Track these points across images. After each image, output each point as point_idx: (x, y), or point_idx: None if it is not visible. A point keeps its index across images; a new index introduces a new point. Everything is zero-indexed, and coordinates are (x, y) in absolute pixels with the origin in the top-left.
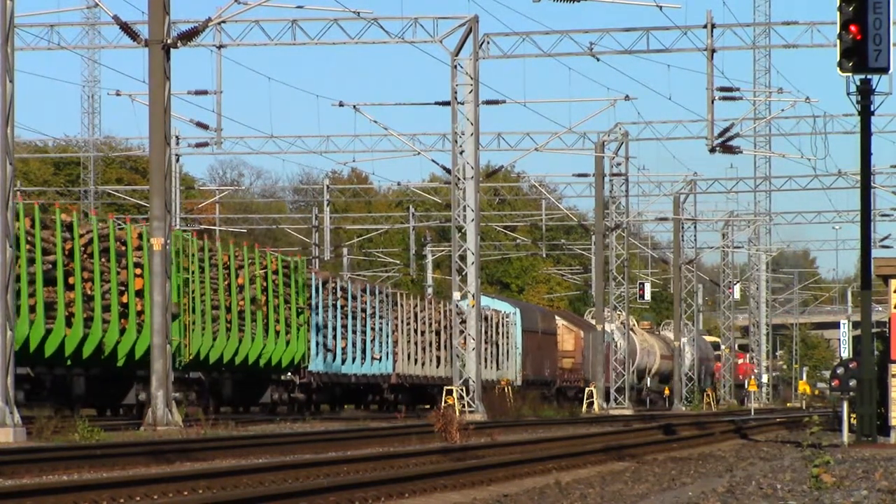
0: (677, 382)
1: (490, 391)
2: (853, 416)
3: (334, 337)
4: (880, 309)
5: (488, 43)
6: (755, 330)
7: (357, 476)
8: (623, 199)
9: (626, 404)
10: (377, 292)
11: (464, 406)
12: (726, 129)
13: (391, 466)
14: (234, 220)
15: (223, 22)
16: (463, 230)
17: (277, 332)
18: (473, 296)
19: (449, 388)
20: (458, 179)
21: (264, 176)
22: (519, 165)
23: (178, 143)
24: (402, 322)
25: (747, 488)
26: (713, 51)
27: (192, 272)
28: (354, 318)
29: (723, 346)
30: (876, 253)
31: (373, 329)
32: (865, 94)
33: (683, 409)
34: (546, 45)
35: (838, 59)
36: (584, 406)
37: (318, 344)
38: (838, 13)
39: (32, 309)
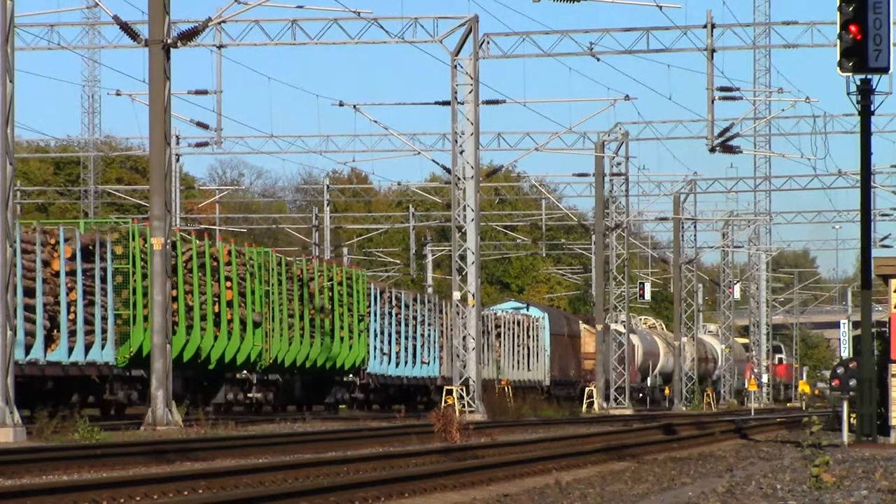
0: (677, 382)
1: (489, 390)
2: (853, 416)
3: (389, 342)
4: (880, 309)
5: (488, 43)
6: (755, 330)
7: (357, 476)
8: (623, 199)
9: (626, 404)
10: (426, 301)
11: (464, 406)
12: (726, 129)
13: (391, 466)
14: (234, 220)
15: (223, 22)
16: (463, 230)
17: (342, 338)
18: (473, 295)
19: (449, 387)
20: (458, 179)
21: (264, 176)
22: (519, 165)
23: (178, 143)
24: (447, 328)
25: (747, 488)
26: (713, 51)
27: (272, 284)
28: (406, 324)
29: (723, 346)
30: (876, 253)
31: (422, 335)
32: (865, 94)
33: (683, 408)
34: (546, 45)
35: (838, 59)
36: (584, 406)
37: (375, 348)
38: (838, 13)
39: (146, 318)
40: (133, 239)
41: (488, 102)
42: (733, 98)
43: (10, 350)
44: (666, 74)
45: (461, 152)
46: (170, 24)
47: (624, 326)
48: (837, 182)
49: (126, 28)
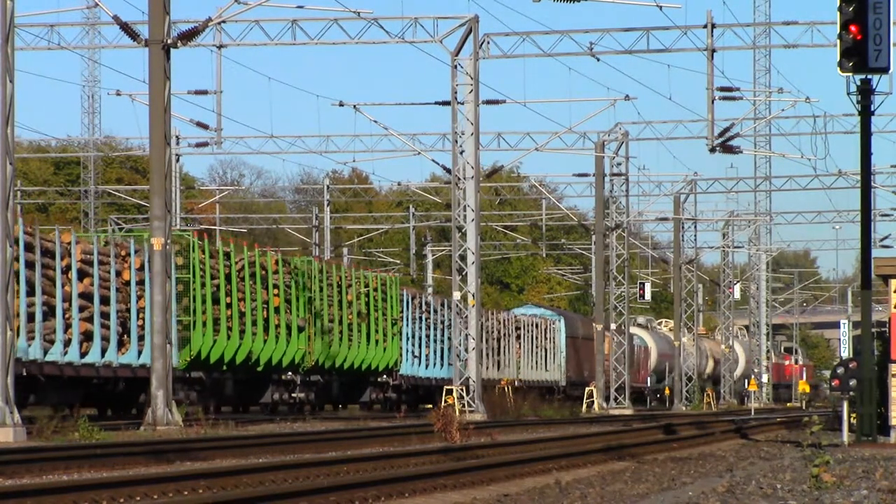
0: (677, 382)
1: (489, 390)
2: (853, 415)
3: (419, 345)
4: (880, 309)
5: (488, 43)
6: (755, 330)
7: (357, 476)
8: (623, 199)
9: (626, 404)
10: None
11: (464, 406)
12: (726, 129)
13: (391, 466)
14: (234, 220)
15: (223, 22)
16: (463, 230)
17: (377, 341)
18: (473, 296)
19: (449, 387)
20: (458, 179)
21: (264, 176)
22: (519, 166)
23: (178, 143)
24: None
25: (747, 488)
26: (713, 51)
27: (314, 291)
28: (435, 328)
29: (723, 346)
30: (876, 253)
31: (449, 339)
32: (865, 94)
33: (683, 408)
34: (546, 45)
35: (838, 59)
36: (584, 406)
37: (407, 351)
38: (838, 13)
39: (204, 324)
40: (193, 250)
41: (488, 102)
42: (733, 98)
43: (9, 350)
44: (666, 74)
45: (461, 152)
46: (170, 24)
47: (640, 329)
48: (837, 182)
49: (126, 28)
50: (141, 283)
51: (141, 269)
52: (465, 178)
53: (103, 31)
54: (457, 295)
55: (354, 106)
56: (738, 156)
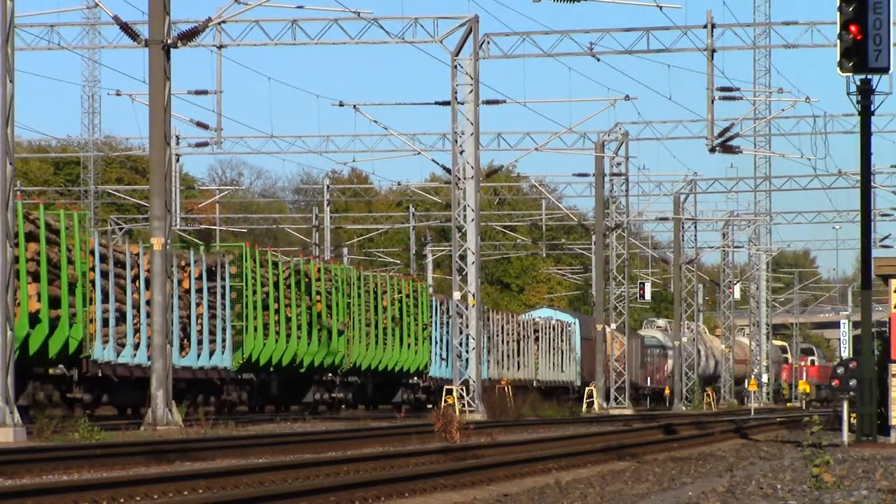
0: (678, 382)
1: (490, 390)
2: (853, 415)
3: (446, 348)
4: (880, 309)
5: (488, 43)
6: (755, 330)
7: (357, 476)
8: (623, 199)
9: (626, 404)
10: None
11: (464, 406)
12: (726, 129)
13: (391, 466)
14: (234, 220)
15: (223, 22)
16: (463, 230)
17: (408, 345)
18: (473, 295)
19: (449, 388)
20: (458, 179)
21: (264, 176)
22: (519, 165)
23: (178, 143)
24: (494, 334)
25: (747, 488)
26: (713, 51)
27: (352, 297)
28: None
29: (723, 346)
30: (876, 253)
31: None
32: (865, 93)
33: (684, 408)
34: (546, 45)
35: (838, 59)
36: (585, 406)
37: (435, 354)
38: (838, 13)
39: (255, 328)
40: (245, 260)
41: (488, 102)
42: (733, 98)
43: (9, 350)
44: (666, 74)
45: (461, 152)
46: (170, 25)
47: (659, 331)
48: (837, 182)
49: (126, 28)
50: (199, 291)
51: (199, 278)
52: (464, 178)
53: (103, 31)
54: (457, 295)
55: (354, 106)
56: (738, 156)
